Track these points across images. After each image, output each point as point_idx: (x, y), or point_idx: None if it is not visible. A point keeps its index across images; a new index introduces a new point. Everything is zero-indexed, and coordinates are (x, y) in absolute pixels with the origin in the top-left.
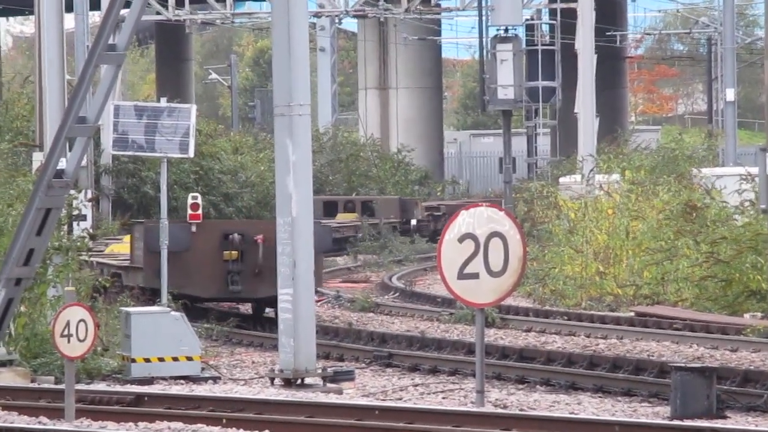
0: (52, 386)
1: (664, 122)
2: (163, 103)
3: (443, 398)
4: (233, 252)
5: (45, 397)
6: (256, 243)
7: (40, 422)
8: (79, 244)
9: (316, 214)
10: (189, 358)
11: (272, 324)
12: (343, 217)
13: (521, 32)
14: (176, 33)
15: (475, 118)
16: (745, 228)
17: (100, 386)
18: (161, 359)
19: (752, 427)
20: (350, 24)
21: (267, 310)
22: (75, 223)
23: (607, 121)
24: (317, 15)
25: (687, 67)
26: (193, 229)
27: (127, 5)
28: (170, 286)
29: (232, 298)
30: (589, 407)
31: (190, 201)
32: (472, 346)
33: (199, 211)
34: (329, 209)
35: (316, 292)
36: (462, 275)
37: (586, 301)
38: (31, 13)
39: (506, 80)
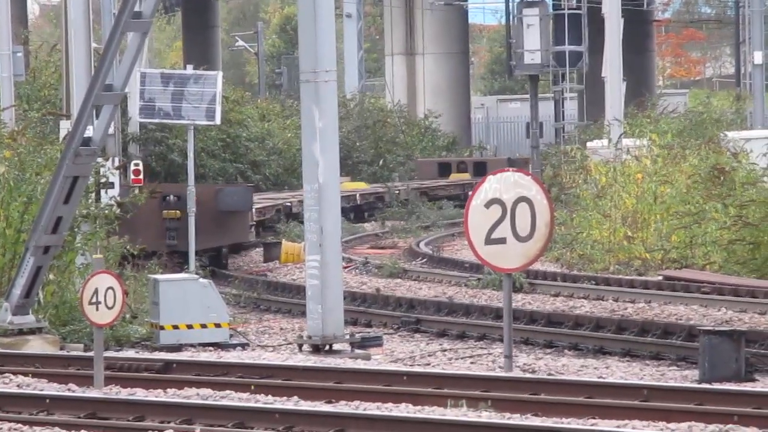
0: (81, 353)
1: (691, 86)
2: (190, 70)
3: (471, 363)
4: (170, 211)
5: (74, 365)
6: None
7: (69, 389)
8: (107, 212)
9: (431, 175)
10: (217, 325)
11: (300, 290)
12: (456, 177)
13: None
14: (203, 0)
15: (502, 83)
16: None
17: (129, 353)
18: (189, 326)
19: None
20: None
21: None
22: (102, 191)
23: (634, 85)
24: None
25: (714, 30)
26: (136, 191)
27: None
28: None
29: (170, 251)
30: (617, 371)
31: (132, 167)
32: (500, 311)
33: (140, 176)
34: (443, 170)
35: (343, 258)
36: (489, 240)
37: (614, 266)
38: None
39: (533, 45)
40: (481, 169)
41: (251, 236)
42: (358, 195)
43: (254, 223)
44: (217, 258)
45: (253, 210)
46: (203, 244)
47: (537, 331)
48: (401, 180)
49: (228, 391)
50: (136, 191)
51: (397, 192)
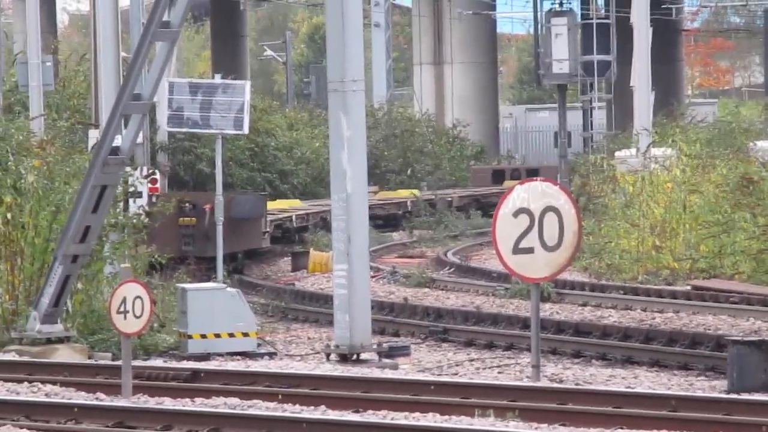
0: (109, 362)
1: (720, 95)
2: (218, 79)
3: (499, 373)
4: (186, 218)
5: (102, 374)
6: (204, 211)
7: (97, 398)
8: (135, 221)
9: (485, 182)
10: (245, 334)
11: (328, 300)
12: (509, 184)
13: (576, 6)
14: (231, 9)
15: (530, 92)
16: None
17: (157, 362)
18: (217, 335)
19: None
20: None
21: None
22: (131, 200)
23: (663, 94)
24: None
25: (743, 39)
26: (153, 199)
27: None
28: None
29: (185, 257)
30: (645, 381)
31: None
32: (528, 321)
33: (158, 185)
34: (497, 177)
35: (371, 267)
36: (517, 250)
37: (643, 275)
38: None
39: (561, 54)
40: (534, 176)
41: (265, 242)
42: (409, 202)
43: (268, 230)
44: (233, 263)
45: (267, 217)
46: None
47: (565, 340)
48: (429, 189)
49: (255, 401)
50: (160, 200)
51: (450, 200)
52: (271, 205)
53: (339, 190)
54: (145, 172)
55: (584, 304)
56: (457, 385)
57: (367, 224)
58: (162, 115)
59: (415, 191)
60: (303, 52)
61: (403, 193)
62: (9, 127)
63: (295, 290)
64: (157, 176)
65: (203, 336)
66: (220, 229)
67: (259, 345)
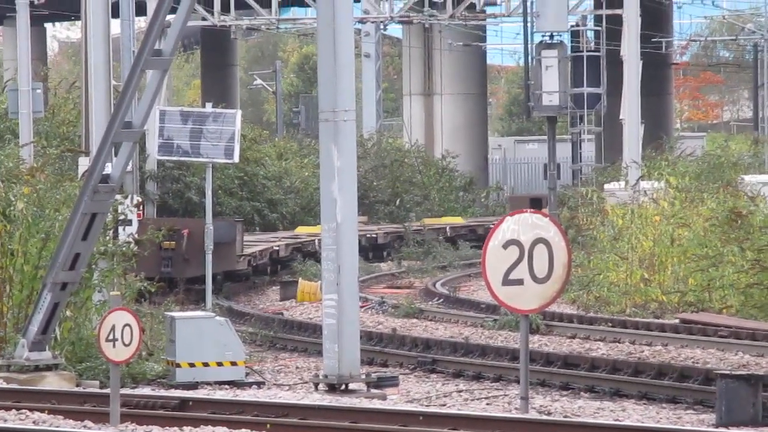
0: (97, 390)
1: (709, 129)
2: (209, 108)
3: (487, 404)
4: (167, 242)
5: (90, 401)
6: (182, 235)
7: (85, 426)
8: (124, 249)
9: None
10: (233, 363)
11: (316, 329)
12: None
13: (566, 38)
14: (221, 39)
15: (519, 124)
16: None
17: (145, 391)
18: (206, 364)
19: None
20: (395, 30)
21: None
22: (120, 228)
23: (652, 127)
24: (362, 21)
25: (733, 73)
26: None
27: (173, 11)
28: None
29: (165, 278)
30: (633, 414)
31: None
32: (517, 353)
33: (140, 210)
34: (534, 205)
35: (359, 297)
36: (506, 281)
37: (631, 308)
38: (78, 18)
39: (551, 86)
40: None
41: (240, 265)
42: (448, 228)
43: (242, 254)
44: (213, 285)
45: (239, 242)
46: (195, 272)
47: (553, 372)
48: (418, 219)
49: (243, 430)
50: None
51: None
52: (301, 230)
53: (329, 220)
54: (135, 201)
55: (573, 337)
56: (446, 416)
57: (356, 254)
58: (152, 143)
59: (459, 219)
60: (293, 82)
61: (449, 220)
62: None
63: (284, 319)
64: (141, 200)
65: (191, 365)
66: (209, 257)
67: (247, 374)
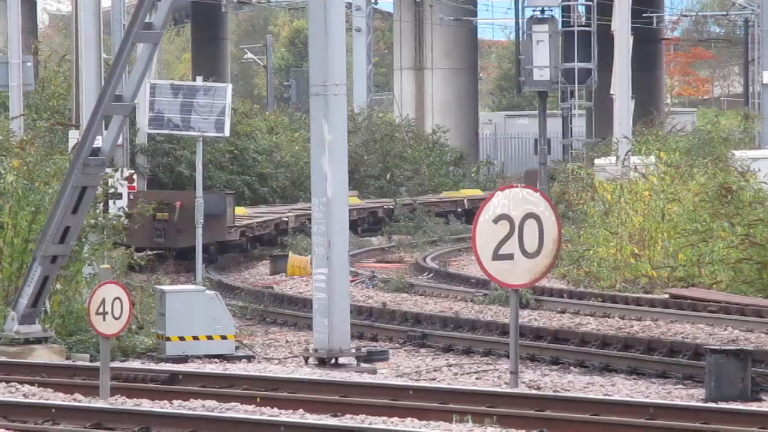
0: (87, 364)
1: (700, 105)
2: (199, 82)
3: (477, 379)
4: (160, 214)
5: (80, 375)
6: (174, 207)
7: (75, 399)
8: (114, 222)
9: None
10: (223, 337)
11: (306, 303)
12: None
13: (557, 13)
14: (212, 12)
15: (510, 99)
16: None
17: (135, 364)
18: (196, 338)
19: None
20: (386, 4)
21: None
22: (111, 202)
23: (642, 103)
24: None
25: (723, 49)
26: (131, 196)
27: None
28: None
29: (159, 247)
30: (623, 389)
31: (126, 174)
32: (506, 327)
33: (134, 183)
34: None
35: (350, 272)
36: (497, 256)
37: (621, 283)
38: None
39: (542, 61)
40: None
41: (232, 236)
42: (466, 200)
43: (233, 225)
44: (205, 254)
45: (229, 213)
46: (187, 242)
47: (543, 347)
48: (409, 194)
49: (233, 403)
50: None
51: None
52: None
53: (320, 194)
54: (125, 174)
55: (563, 312)
56: (436, 391)
57: (347, 228)
58: (142, 117)
59: (478, 191)
60: (283, 56)
61: (466, 192)
62: None
63: (274, 293)
64: (134, 174)
65: (181, 338)
66: (200, 231)
67: (237, 348)
